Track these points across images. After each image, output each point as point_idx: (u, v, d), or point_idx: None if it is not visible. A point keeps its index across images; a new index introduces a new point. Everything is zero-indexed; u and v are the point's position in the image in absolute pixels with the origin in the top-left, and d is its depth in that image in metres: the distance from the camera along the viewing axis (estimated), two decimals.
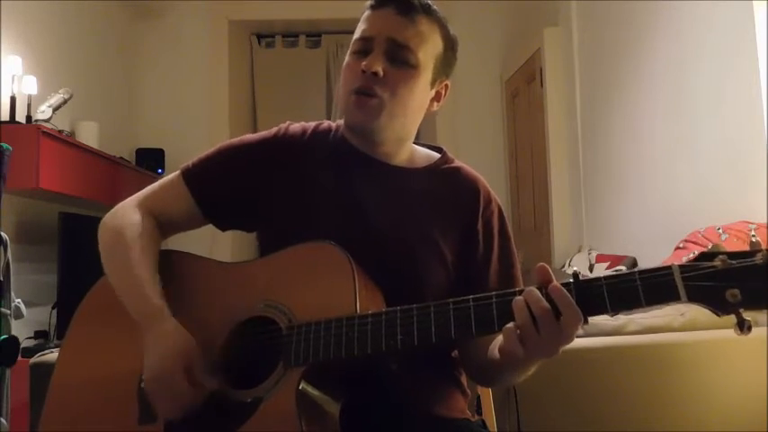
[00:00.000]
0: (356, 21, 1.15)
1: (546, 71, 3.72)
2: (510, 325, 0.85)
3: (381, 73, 1.07)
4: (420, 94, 1.13)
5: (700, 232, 2.03)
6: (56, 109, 3.06)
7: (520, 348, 0.85)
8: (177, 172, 1.19)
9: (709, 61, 2.27)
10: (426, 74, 1.11)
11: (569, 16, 3.53)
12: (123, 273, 1.08)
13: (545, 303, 0.83)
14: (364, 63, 1.07)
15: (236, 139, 1.20)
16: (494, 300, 0.88)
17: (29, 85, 3.01)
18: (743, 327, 0.77)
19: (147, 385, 0.99)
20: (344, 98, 1.11)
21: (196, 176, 1.17)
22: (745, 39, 2.03)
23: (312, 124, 1.22)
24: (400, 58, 1.08)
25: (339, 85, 1.16)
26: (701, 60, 2.32)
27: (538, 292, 0.84)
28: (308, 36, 5.01)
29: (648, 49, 2.73)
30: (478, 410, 1.28)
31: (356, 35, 1.12)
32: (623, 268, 2.56)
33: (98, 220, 1.15)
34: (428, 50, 1.10)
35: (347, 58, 1.13)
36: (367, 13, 1.13)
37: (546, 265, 0.87)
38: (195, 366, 0.98)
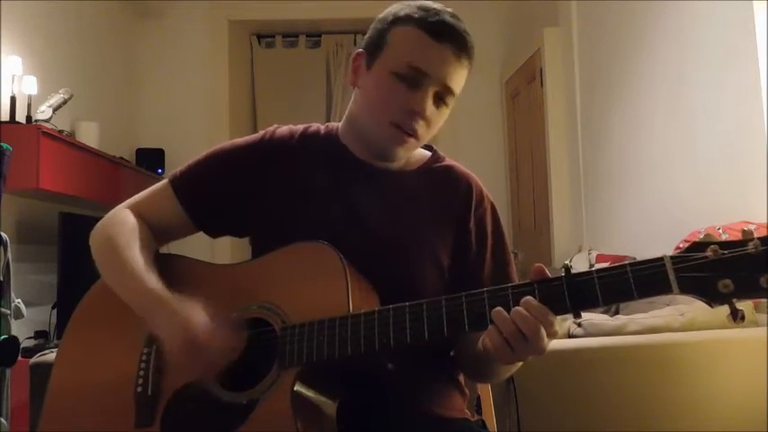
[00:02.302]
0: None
1: (546, 71, 3.72)
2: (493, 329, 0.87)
3: (430, 118, 1.07)
4: None
5: (700, 232, 2.02)
6: (56, 109, 3.06)
7: (508, 349, 0.86)
8: (165, 180, 1.18)
9: (709, 61, 2.27)
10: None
11: (569, 16, 3.53)
12: (119, 269, 1.07)
13: (513, 326, 0.85)
14: (418, 105, 1.04)
15: (223, 145, 1.19)
16: (486, 296, 0.88)
17: (29, 85, 3.01)
18: (736, 316, 0.77)
19: (176, 352, 0.96)
20: (382, 124, 1.07)
21: (184, 184, 1.16)
22: (745, 39, 2.03)
23: (300, 127, 1.21)
24: (444, 100, 1.09)
25: (358, 93, 1.12)
26: (701, 60, 2.32)
27: (505, 313, 0.85)
28: (308, 36, 5.01)
29: (648, 49, 2.73)
30: (478, 410, 1.28)
31: (407, 57, 1.04)
32: None
33: (98, 220, 1.15)
34: (461, 89, 1.11)
35: (388, 77, 1.05)
36: (423, 38, 1.05)
37: (542, 266, 0.87)
38: (220, 317, 0.97)
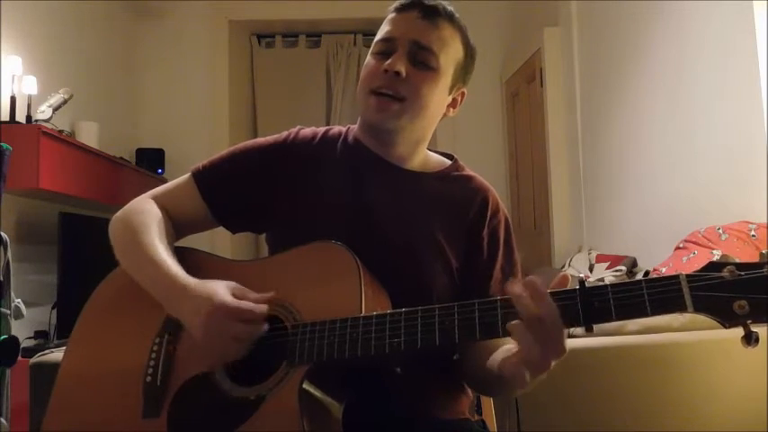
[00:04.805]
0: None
1: (546, 71, 3.72)
2: (516, 322, 0.84)
3: (404, 73, 1.07)
4: (439, 98, 1.14)
5: (700, 232, 2.03)
6: (56, 109, 3.06)
7: (534, 344, 0.84)
8: (188, 174, 1.20)
9: (709, 61, 2.27)
10: (446, 78, 1.13)
11: (569, 16, 3.54)
12: (139, 255, 1.07)
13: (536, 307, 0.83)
14: (387, 63, 1.08)
15: (247, 143, 1.22)
16: (499, 304, 0.88)
17: (29, 85, 3.01)
18: (750, 339, 0.75)
19: (199, 334, 0.96)
20: (364, 97, 1.11)
21: (206, 179, 1.18)
22: (745, 39, 2.03)
23: (322, 129, 1.23)
24: (422, 60, 1.09)
25: (358, 84, 1.16)
26: (701, 60, 2.32)
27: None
28: (308, 36, 5.00)
29: (648, 49, 2.73)
30: (478, 410, 1.28)
31: (378, 36, 1.14)
32: (623, 268, 2.56)
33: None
34: (449, 55, 1.12)
35: (368, 58, 1.14)
36: (391, 15, 1.14)
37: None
38: (243, 290, 0.98)
